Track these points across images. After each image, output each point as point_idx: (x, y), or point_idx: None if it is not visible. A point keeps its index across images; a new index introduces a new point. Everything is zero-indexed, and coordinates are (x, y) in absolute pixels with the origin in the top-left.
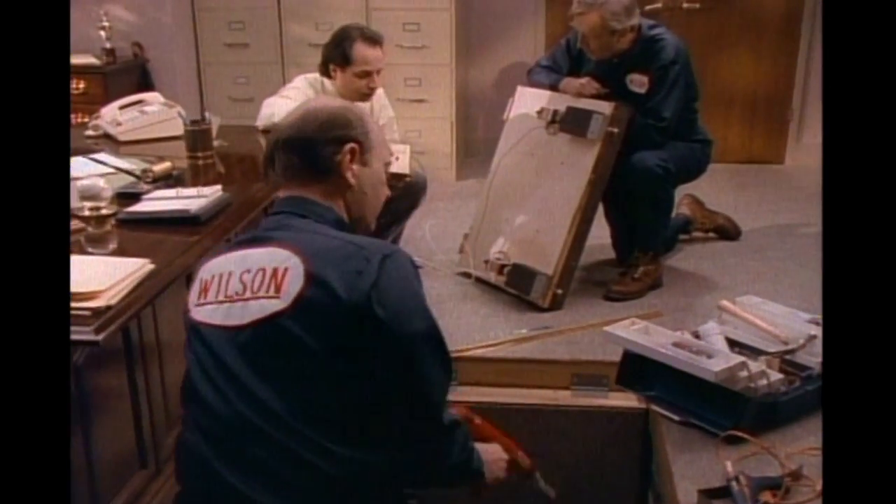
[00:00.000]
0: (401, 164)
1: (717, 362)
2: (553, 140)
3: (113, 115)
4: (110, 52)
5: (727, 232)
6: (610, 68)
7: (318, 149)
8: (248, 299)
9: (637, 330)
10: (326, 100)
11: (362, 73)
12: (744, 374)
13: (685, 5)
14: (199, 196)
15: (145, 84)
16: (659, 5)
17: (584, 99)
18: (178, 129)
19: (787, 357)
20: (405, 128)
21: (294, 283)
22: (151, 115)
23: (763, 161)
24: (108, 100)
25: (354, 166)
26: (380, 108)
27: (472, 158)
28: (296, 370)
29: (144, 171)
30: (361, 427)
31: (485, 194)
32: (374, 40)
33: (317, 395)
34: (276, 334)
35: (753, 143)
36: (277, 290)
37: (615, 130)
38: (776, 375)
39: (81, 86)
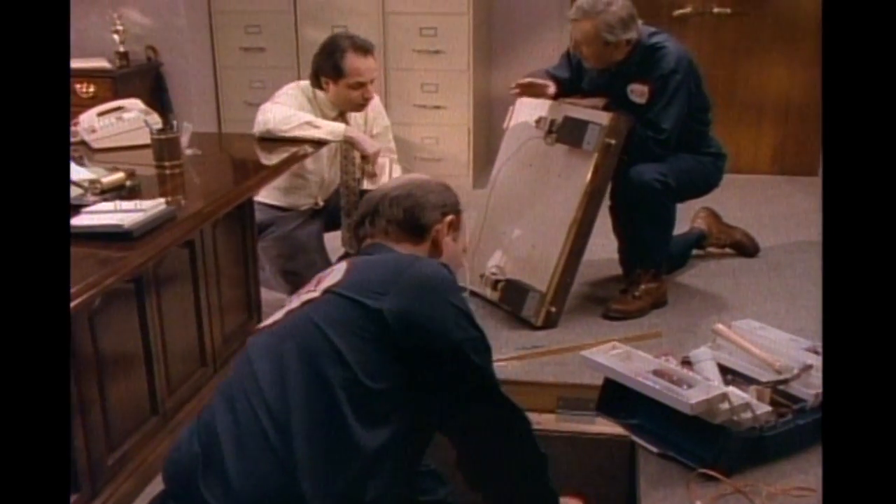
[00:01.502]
0: (381, 181)
1: (694, 393)
2: (550, 151)
3: (90, 122)
4: (123, 56)
5: (744, 248)
6: (611, 77)
7: (424, 211)
8: (293, 301)
9: (617, 355)
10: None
11: (356, 84)
12: (724, 406)
13: (716, 10)
14: (136, 210)
15: (158, 88)
16: (688, 10)
17: (582, 109)
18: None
19: (781, 388)
20: (421, 135)
21: (331, 279)
22: (128, 122)
23: (794, 173)
24: None
25: (448, 237)
26: (374, 118)
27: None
28: (299, 357)
29: (92, 182)
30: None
31: (484, 205)
32: (365, 50)
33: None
34: (298, 319)
35: (785, 153)
36: (317, 285)
37: (612, 142)
38: (763, 408)
39: (91, 89)
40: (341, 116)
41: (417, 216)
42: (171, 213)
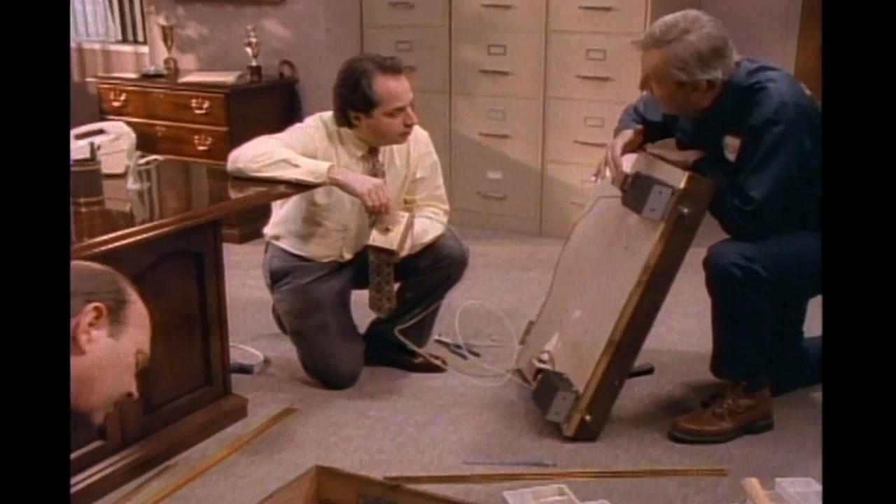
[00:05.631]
0: (389, 238)
1: None
2: (626, 215)
3: None
4: (256, 71)
5: None
6: (703, 125)
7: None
8: None
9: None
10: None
11: (394, 110)
12: None
13: None
14: None
15: (291, 107)
16: None
17: (662, 164)
18: (120, 165)
19: None
20: (580, 176)
21: None
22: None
23: None
24: (229, 123)
25: (94, 331)
26: (419, 157)
27: None
28: None
29: None
30: None
31: (553, 274)
32: (395, 69)
33: None
34: None
35: None
36: None
37: (686, 210)
38: None
39: (205, 105)
40: (371, 154)
41: None
42: None
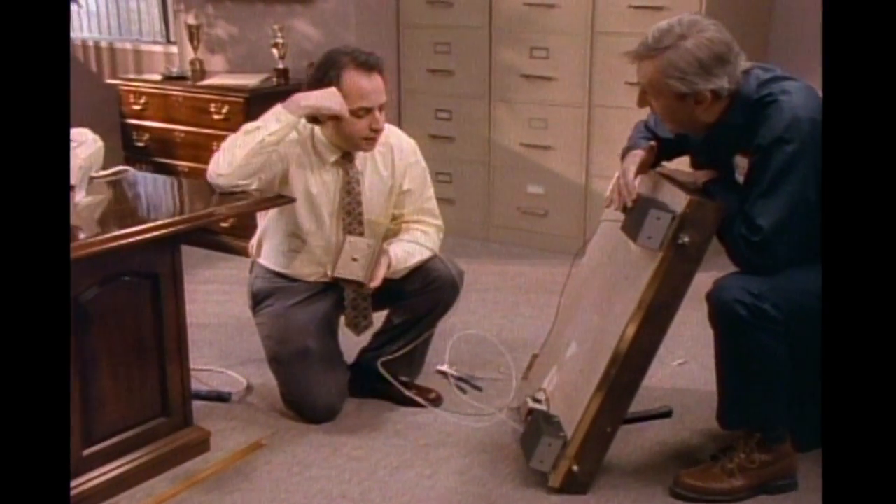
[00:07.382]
0: (355, 268)
1: None
2: (629, 240)
3: None
4: (282, 73)
5: None
6: (714, 143)
7: None
8: None
9: None
10: None
11: (359, 109)
12: None
13: None
14: None
15: None
16: None
17: (668, 186)
18: (76, 176)
19: None
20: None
21: None
22: None
23: None
24: None
25: None
26: (406, 167)
27: None
28: None
29: None
30: None
31: (559, 300)
32: (369, 66)
33: None
34: None
35: None
36: None
37: (687, 239)
38: None
39: (224, 110)
40: (345, 159)
41: None
42: None
